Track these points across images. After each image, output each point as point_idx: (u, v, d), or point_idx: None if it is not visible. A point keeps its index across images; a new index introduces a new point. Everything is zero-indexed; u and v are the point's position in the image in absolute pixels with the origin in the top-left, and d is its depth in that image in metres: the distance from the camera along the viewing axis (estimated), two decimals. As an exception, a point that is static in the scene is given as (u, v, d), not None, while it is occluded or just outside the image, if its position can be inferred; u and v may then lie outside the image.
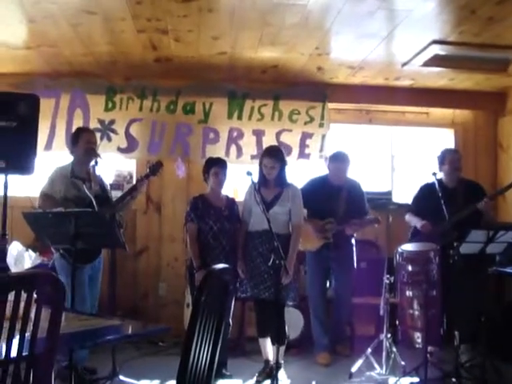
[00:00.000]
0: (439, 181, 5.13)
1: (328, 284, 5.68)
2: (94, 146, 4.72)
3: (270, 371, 4.79)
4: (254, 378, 4.83)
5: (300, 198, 4.97)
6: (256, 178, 4.77)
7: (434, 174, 5.14)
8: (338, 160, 5.55)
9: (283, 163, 4.90)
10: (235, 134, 6.38)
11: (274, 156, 4.88)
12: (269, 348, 4.87)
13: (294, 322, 5.48)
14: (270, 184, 4.91)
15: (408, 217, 5.56)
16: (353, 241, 5.61)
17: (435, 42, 5.00)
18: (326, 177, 5.67)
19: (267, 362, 4.89)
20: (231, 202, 5.08)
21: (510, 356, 5.09)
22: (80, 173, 4.63)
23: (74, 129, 5.58)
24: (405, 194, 6.41)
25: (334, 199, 5.45)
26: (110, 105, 6.22)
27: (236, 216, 5.03)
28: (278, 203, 4.84)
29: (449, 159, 5.43)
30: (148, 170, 4.95)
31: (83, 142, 4.69)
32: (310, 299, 5.60)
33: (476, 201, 5.16)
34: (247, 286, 4.82)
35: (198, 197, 5.05)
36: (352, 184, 5.62)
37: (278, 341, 4.56)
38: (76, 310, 3.63)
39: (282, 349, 4.79)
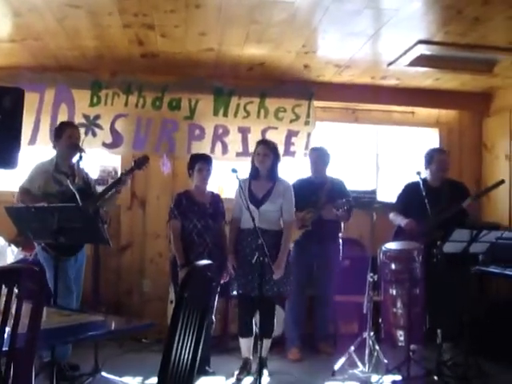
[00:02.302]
0: (423, 180, 5.15)
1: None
2: (76, 141, 4.70)
3: (250, 368, 4.85)
4: (234, 376, 4.81)
5: (292, 194, 4.95)
6: (241, 175, 4.70)
7: (419, 173, 5.15)
8: (316, 152, 5.69)
9: (276, 156, 4.93)
10: (221, 130, 6.36)
11: (267, 144, 4.94)
12: (248, 347, 4.89)
13: (276, 319, 5.48)
14: (262, 177, 4.90)
15: (392, 216, 5.58)
16: (339, 239, 5.64)
17: (421, 41, 5.02)
18: (310, 177, 5.74)
19: (246, 359, 4.89)
20: (216, 199, 5.06)
21: (492, 354, 5.12)
22: (63, 167, 4.62)
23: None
24: (389, 193, 6.43)
25: (315, 193, 5.48)
26: (95, 100, 6.18)
27: (221, 213, 5.02)
28: (269, 200, 4.83)
29: (437, 159, 5.45)
30: (133, 164, 4.92)
31: (66, 137, 4.68)
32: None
33: (460, 201, 5.20)
34: (239, 282, 4.80)
35: (182, 193, 5.02)
36: (335, 181, 5.67)
37: (264, 334, 4.58)
38: (58, 305, 3.61)
39: (268, 342, 4.83)
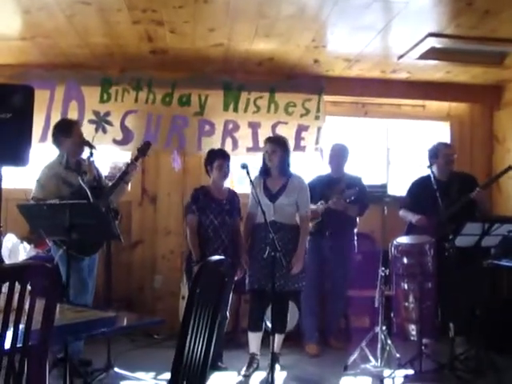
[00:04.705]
0: (433, 174, 5.12)
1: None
2: (85, 138, 4.74)
3: (257, 365, 4.85)
4: (242, 373, 4.80)
5: (306, 188, 4.96)
6: (251, 170, 4.70)
7: (430, 166, 5.13)
8: (336, 147, 5.72)
9: (286, 150, 4.91)
10: (231, 126, 6.36)
11: (274, 141, 4.95)
12: (257, 342, 4.89)
13: (289, 314, 5.48)
14: (274, 173, 4.91)
15: (402, 212, 5.57)
16: (355, 234, 5.65)
17: (431, 34, 4.99)
18: (329, 173, 5.77)
19: (253, 355, 4.89)
20: (232, 195, 5.06)
21: (505, 348, 5.11)
22: (72, 164, 4.61)
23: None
24: (400, 187, 6.41)
25: (331, 188, 5.48)
26: (105, 96, 6.18)
27: (237, 209, 5.03)
28: (284, 194, 4.83)
29: (443, 153, 5.43)
30: (137, 152, 4.94)
31: (77, 135, 4.69)
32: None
33: (470, 192, 5.18)
34: (253, 277, 4.79)
35: (199, 188, 5.03)
36: (352, 178, 5.67)
37: (277, 329, 4.58)
38: (71, 302, 3.63)
39: (281, 338, 4.83)
